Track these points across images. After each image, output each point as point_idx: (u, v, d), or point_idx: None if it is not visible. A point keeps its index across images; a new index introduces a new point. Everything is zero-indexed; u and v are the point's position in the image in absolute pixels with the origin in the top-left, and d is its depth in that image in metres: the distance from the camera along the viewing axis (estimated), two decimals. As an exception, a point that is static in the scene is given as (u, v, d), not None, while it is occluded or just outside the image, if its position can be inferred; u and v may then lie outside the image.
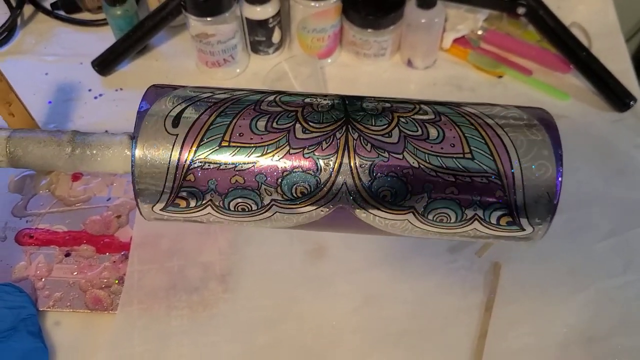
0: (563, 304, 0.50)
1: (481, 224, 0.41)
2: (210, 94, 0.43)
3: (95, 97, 0.65)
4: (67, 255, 0.53)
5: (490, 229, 0.41)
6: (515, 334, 0.49)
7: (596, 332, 0.49)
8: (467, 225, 0.41)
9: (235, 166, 0.40)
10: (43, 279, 0.52)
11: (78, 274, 0.52)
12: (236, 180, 0.40)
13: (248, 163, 0.41)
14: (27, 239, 0.54)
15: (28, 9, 0.73)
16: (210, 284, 0.52)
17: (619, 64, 0.65)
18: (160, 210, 0.41)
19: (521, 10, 0.60)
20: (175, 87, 0.45)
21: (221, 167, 0.40)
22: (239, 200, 0.41)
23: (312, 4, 0.59)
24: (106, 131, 0.61)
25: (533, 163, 0.40)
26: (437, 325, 0.50)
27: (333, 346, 0.49)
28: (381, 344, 0.49)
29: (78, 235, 0.54)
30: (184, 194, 0.40)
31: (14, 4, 0.71)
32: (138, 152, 0.40)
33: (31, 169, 0.54)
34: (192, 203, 0.41)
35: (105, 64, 0.65)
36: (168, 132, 0.40)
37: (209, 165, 0.40)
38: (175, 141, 0.40)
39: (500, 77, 0.65)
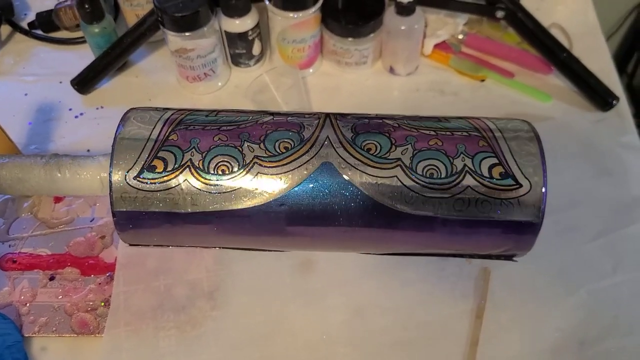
0: (554, 308, 0.50)
1: (474, 178, 0.40)
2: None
3: (76, 116, 0.64)
4: (52, 278, 0.52)
5: (485, 185, 0.40)
6: (507, 340, 0.49)
7: (588, 335, 0.49)
8: (461, 181, 0.40)
9: (220, 126, 0.40)
10: (27, 304, 0.51)
11: (63, 298, 0.51)
12: (219, 139, 0.41)
13: (233, 123, 0.42)
14: (10, 264, 0.53)
15: (5, 29, 0.72)
16: (197, 302, 0.51)
17: (600, 63, 0.65)
18: (134, 178, 0.40)
19: (500, 14, 0.60)
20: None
21: (206, 127, 0.41)
22: (220, 158, 0.40)
23: (291, 14, 0.59)
24: (88, 150, 0.62)
25: (508, 122, 0.43)
26: (429, 334, 0.49)
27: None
28: (373, 355, 0.49)
29: (62, 258, 0.53)
30: (164, 152, 0.41)
31: (-10, 25, 0.70)
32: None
33: (12, 195, 0.53)
34: (170, 165, 0.40)
35: (84, 82, 0.65)
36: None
37: (193, 127, 0.41)
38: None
39: (482, 80, 0.65)
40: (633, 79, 1.23)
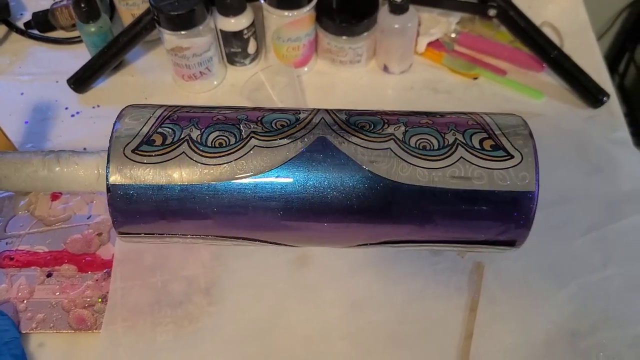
0: (546, 301, 0.51)
1: (467, 150, 0.41)
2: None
3: (73, 115, 0.65)
4: (49, 275, 0.53)
5: (478, 156, 0.41)
6: (500, 332, 0.49)
7: (579, 327, 0.49)
8: (453, 153, 0.41)
9: (219, 111, 0.43)
10: (25, 301, 0.51)
11: (60, 294, 0.52)
12: (218, 119, 0.42)
13: (231, 108, 0.44)
14: (8, 261, 0.54)
15: (1, 29, 0.72)
16: (194, 297, 0.51)
17: (590, 61, 0.66)
18: (132, 151, 0.41)
19: (492, 12, 0.61)
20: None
21: (205, 111, 0.43)
22: (218, 133, 0.42)
23: (286, 13, 0.60)
24: (84, 149, 0.62)
25: (500, 115, 0.44)
26: (424, 327, 0.50)
27: (322, 354, 0.49)
28: (370, 349, 0.49)
29: (59, 255, 0.54)
30: (163, 128, 0.42)
31: (-14, 25, 0.71)
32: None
33: (9, 191, 0.53)
34: (169, 139, 0.41)
35: (81, 81, 0.65)
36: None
37: (193, 111, 0.43)
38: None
39: (475, 78, 0.66)
40: (624, 79, 1.24)
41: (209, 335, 0.50)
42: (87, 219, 0.56)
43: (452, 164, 0.41)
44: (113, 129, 0.43)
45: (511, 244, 0.44)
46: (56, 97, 0.66)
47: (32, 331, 0.50)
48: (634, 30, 1.18)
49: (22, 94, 0.67)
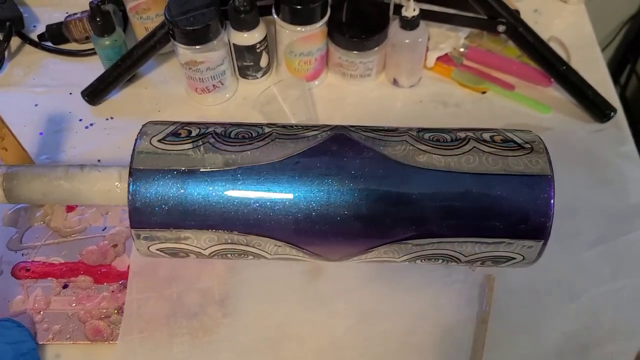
0: (556, 313, 0.52)
1: (478, 142, 0.45)
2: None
3: (86, 127, 0.65)
4: (65, 287, 0.53)
5: (490, 146, 0.44)
6: (511, 344, 0.50)
7: (590, 339, 0.50)
8: (466, 145, 0.44)
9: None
10: (41, 312, 0.52)
11: (76, 305, 0.52)
12: (239, 125, 0.47)
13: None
14: (24, 272, 0.54)
15: (15, 41, 0.73)
16: (209, 309, 0.52)
17: (596, 75, 0.67)
18: (158, 140, 0.44)
19: (501, 28, 0.62)
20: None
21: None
22: (240, 129, 0.46)
23: (298, 28, 0.61)
24: (98, 160, 0.63)
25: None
26: (435, 339, 0.51)
27: (334, 365, 0.50)
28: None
29: (75, 267, 0.54)
30: (188, 126, 0.46)
31: (0, 37, 0.71)
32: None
33: (27, 203, 0.54)
34: (194, 132, 0.45)
35: (95, 93, 0.66)
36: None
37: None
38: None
39: (483, 92, 0.67)
40: (626, 90, 1.26)
41: (224, 345, 0.50)
42: (103, 230, 0.57)
43: (466, 152, 0.44)
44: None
45: (534, 235, 0.43)
46: (70, 109, 0.67)
47: (48, 342, 0.50)
48: (635, 42, 1.19)
49: (36, 105, 0.67)
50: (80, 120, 0.66)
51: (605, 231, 0.56)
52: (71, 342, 0.50)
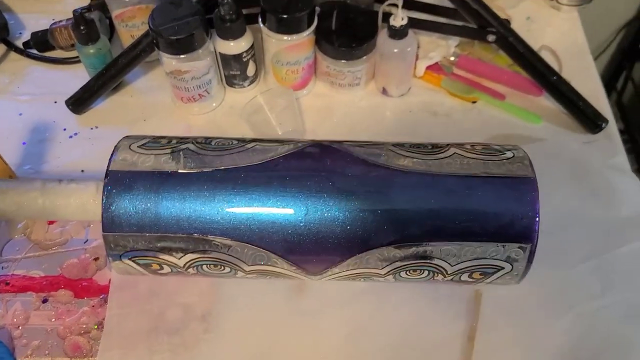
0: (545, 330, 0.51)
1: (458, 148, 0.46)
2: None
3: (71, 136, 0.64)
4: (45, 301, 0.52)
5: (471, 152, 0.45)
6: (499, 362, 0.49)
7: (578, 355, 0.49)
8: (446, 151, 0.45)
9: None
10: (20, 327, 0.51)
11: (56, 321, 0.51)
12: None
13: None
14: (3, 286, 0.53)
15: (0, 48, 0.72)
16: (190, 324, 0.51)
17: (589, 85, 0.66)
18: (138, 146, 0.45)
19: (491, 38, 0.61)
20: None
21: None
22: (221, 140, 0.47)
23: (285, 37, 0.60)
24: (82, 171, 0.62)
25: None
26: (422, 355, 0.50)
27: (318, 383, 0.49)
28: (366, 378, 0.49)
29: (55, 280, 0.54)
30: (168, 137, 0.48)
31: (-15, 44, 0.71)
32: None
33: (5, 219, 0.53)
34: (174, 140, 0.46)
35: (79, 102, 0.65)
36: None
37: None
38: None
39: (474, 102, 0.66)
40: (622, 96, 1.25)
41: (206, 363, 0.49)
42: (84, 243, 0.56)
43: (447, 156, 0.45)
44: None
45: (521, 238, 0.43)
46: (54, 118, 0.66)
47: (27, 358, 0.49)
48: (631, 49, 1.19)
49: (20, 114, 0.66)
50: (65, 129, 0.65)
51: (596, 245, 0.55)
52: (50, 359, 0.49)
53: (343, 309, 0.52)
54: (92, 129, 0.65)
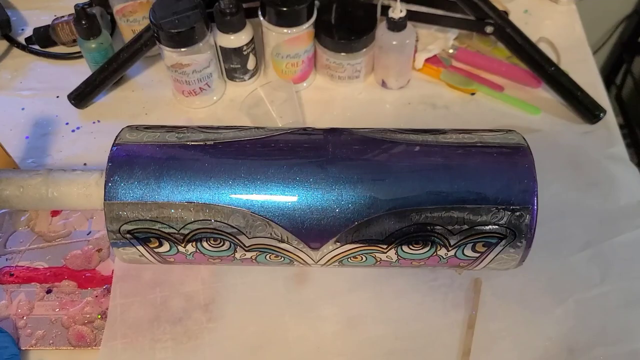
0: (543, 317, 0.51)
1: (454, 130, 0.48)
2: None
3: (73, 130, 0.65)
4: (49, 292, 0.53)
5: (465, 131, 0.47)
6: (498, 349, 0.50)
7: (577, 343, 0.50)
8: (442, 133, 0.47)
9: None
10: (24, 318, 0.52)
11: (60, 311, 0.52)
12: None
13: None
14: (8, 277, 0.54)
15: (2, 44, 0.73)
16: (193, 314, 0.52)
17: (587, 76, 0.66)
18: (144, 128, 0.48)
19: (489, 29, 0.62)
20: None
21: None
22: (224, 126, 0.48)
23: (285, 30, 0.60)
24: (85, 164, 0.62)
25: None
26: (421, 344, 0.50)
27: (319, 371, 0.49)
28: (366, 366, 0.49)
29: (59, 271, 0.54)
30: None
31: (-13, 40, 0.71)
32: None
33: (9, 208, 0.53)
34: (178, 127, 0.48)
35: (81, 96, 0.66)
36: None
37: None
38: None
39: (472, 94, 0.66)
40: (622, 90, 1.25)
41: (208, 351, 0.50)
42: (87, 234, 0.56)
43: (442, 133, 0.47)
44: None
45: (520, 200, 0.43)
46: (57, 113, 0.66)
47: (31, 348, 0.50)
48: (630, 42, 1.19)
49: (23, 109, 0.67)
50: (67, 123, 0.66)
51: (593, 234, 0.55)
52: (54, 348, 0.50)
53: (343, 298, 0.52)
54: (94, 123, 0.66)
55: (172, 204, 0.43)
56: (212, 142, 0.45)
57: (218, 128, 0.48)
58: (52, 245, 0.56)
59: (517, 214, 0.43)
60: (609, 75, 1.25)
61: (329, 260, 0.47)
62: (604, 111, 0.63)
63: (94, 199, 0.44)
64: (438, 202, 0.43)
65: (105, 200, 0.43)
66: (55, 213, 0.58)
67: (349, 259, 0.47)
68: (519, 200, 0.43)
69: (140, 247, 0.45)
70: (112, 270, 0.54)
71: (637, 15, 1.15)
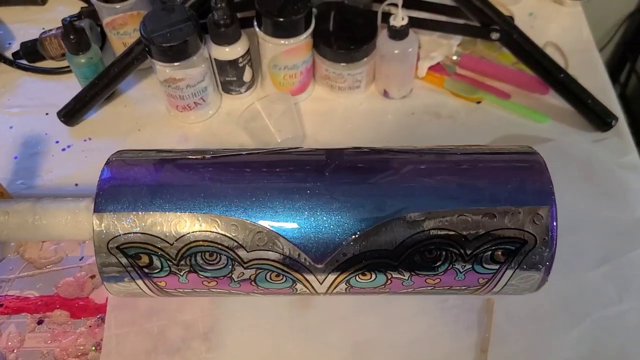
0: (559, 339, 0.49)
1: (464, 145, 0.46)
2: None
3: (63, 149, 0.62)
4: (40, 322, 0.51)
5: (473, 146, 0.46)
6: (513, 374, 0.47)
7: (596, 366, 0.47)
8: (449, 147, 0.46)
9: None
10: (15, 351, 0.49)
11: (52, 343, 0.49)
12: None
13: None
14: (-3, 308, 0.51)
15: (-11, 60, 0.70)
16: (192, 343, 0.49)
17: (596, 81, 0.64)
18: (136, 150, 0.46)
19: (495, 36, 0.59)
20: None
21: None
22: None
23: (282, 41, 0.58)
24: (76, 184, 0.60)
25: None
26: (432, 370, 0.48)
27: (326, 401, 0.47)
28: (375, 395, 0.47)
29: (50, 300, 0.52)
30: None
31: (-27, 56, 0.69)
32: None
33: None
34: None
35: (71, 113, 0.63)
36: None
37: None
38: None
39: (478, 102, 0.64)
40: (626, 89, 1.23)
41: (209, 383, 0.48)
42: (80, 260, 0.54)
43: (450, 146, 0.46)
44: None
45: (538, 199, 0.41)
46: (46, 130, 0.64)
47: (22, 383, 0.48)
48: (634, 41, 1.16)
49: (10, 127, 0.64)
50: (57, 142, 0.63)
51: (609, 248, 0.53)
52: (47, 383, 0.48)
53: (349, 323, 0.50)
54: (85, 140, 0.63)
55: (166, 214, 0.41)
56: (209, 156, 0.45)
57: (217, 149, 0.46)
58: (43, 272, 0.53)
59: (536, 214, 0.41)
60: (613, 73, 1.23)
61: (334, 280, 0.44)
62: (616, 118, 0.60)
63: (84, 230, 0.42)
64: (451, 205, 0.41)
65: (95, 211, 0.41)
66: (45, 238, 0.55)
67: (357, 278, 0.44)
68: (537, 199, 0.41)
69: (128, 264, 0.42)
70: (107, 298, 0.51)
71: (640, 13, 1.13)
